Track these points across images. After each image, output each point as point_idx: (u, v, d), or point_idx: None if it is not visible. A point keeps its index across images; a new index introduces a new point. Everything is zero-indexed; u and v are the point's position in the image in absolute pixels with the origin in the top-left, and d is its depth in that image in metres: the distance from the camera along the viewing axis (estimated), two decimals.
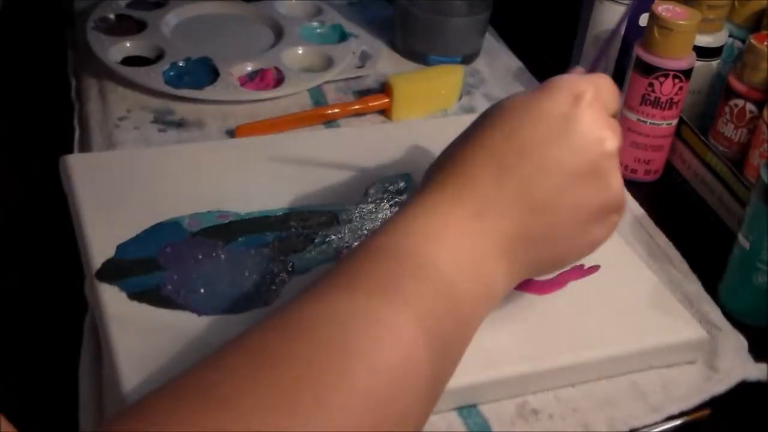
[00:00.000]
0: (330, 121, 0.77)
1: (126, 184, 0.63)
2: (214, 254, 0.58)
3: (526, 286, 0.59)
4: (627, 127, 0.74)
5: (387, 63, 0.87)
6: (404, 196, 0.65)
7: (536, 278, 0.56)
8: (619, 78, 0.78)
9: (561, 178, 0.46)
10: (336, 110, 0.77)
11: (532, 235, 0.47)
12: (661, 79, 0.71)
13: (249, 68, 0.81)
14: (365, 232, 0.62)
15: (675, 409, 0.55)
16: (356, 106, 0.78)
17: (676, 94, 0.72)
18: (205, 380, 0.38)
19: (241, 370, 0.38)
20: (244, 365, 0.38)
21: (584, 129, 0.47)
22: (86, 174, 0.63)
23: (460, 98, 0.83)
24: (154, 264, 0.57)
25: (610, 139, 0.48)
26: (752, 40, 0.70)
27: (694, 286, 0.65)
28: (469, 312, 0.45)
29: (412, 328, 0.41)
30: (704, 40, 0.75)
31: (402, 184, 0.66)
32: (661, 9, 0.71)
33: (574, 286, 0.60)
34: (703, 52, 0.74)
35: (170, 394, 0.38)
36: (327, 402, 0.36)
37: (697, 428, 0.55)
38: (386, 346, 0.39)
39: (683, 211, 0.74)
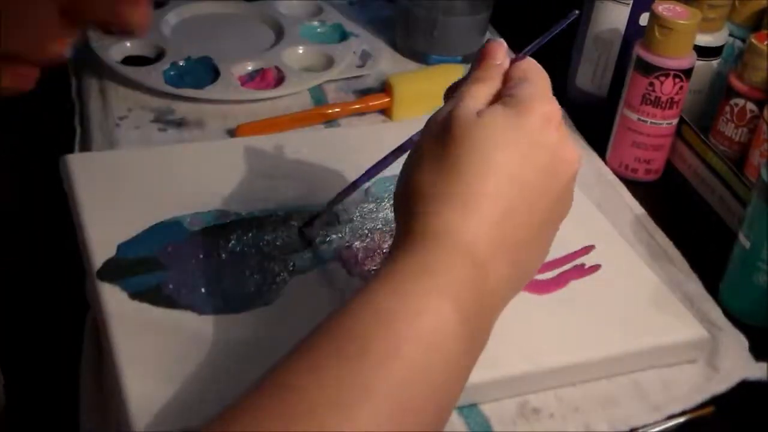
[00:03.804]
0: (330, 121, 0.77)
1: (127, 183, 0.63)
2: (215, 254, 0.58)
3: (526, 286, 0.59)
4: (627, 127, 0.74)
5: (387, 62, 0.87)
6: None
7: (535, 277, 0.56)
8: (619, 78, 0.78)
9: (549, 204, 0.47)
10: (336, 110, 0.77)
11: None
12: (662, 78, 0.71)
13: (249, 68, 0.81)
14: (366, 231, 0.62)
15: (676, 409, 0.55)
16: (357, 106, 0.78)
17: (677, 93, 0.72)
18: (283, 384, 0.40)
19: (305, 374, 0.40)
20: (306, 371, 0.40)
21: (566, 155, 0.47)
22: (87, 173, 0.63)
23: None
24: (155, 263, 0.56)
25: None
26: (753, 40, 0.70)
27: (694, 285, 0.65)
28: (494, 285, 0.45)
29: (447, 304, 0.42)
30: (705, 39, 0.75)
31: None
32: (661, 8, 0.71)
33: (575, 286, 0.60)
34: (703, 52, 0.74)
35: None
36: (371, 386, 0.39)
37: (700, 426, 0.55)
38: (420, 318, 0.41)
39: (684, 211, 0.74)
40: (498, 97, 0.48)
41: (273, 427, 0.37)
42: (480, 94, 0.48)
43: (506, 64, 0.50)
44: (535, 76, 0.49)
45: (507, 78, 0.49)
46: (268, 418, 0.37)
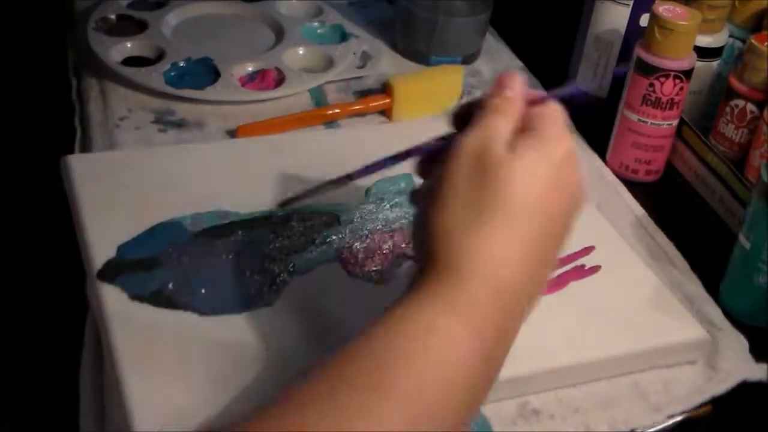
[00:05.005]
0: (330, 122, 0.77)
1: (127, 184, 0.63)
2: (215, 254, 0.58)
3: None
4: (627, 127, 0.74)
5: (388, 63, 0.87)
6: (404, 197, 0.65)
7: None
8: (619, 78, 0.79)
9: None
10: (337, 110, 0.77)
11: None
12: (662, 79, 0.71)
13: (250, 68, 0.81)
14: (366, 232, 0.62)
15: (676, 409, 0.55)
16: (357, 107, 0.78)
17: (677, 94, 0.72)
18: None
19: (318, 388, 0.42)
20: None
21: (582, 189, 0.49)
22: (87, 174, 0.63)
23: (460, 98, 0.83)
24: (156, 264, 0.56)
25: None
26: (753, 41, 0.70)
27: (694, 286, 0.65)
28: (513, 300, 0.46)
29: (465, 331, 0.43)
30: (705, 40, 0.75)
31: (402, 185, 0.66)
32: (661, 9, 0.71)
33: (575, 287, 0.60)
34: (703, 53, 0.74)
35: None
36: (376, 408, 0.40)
37: (698, 425, 0.55)
38: (438, 353, 0.42)
39: (684, 212, 0.74)
40: (519, 129, 0.48)
41: None
42: (505, 127, 0.48)
43: (523, 95, 0.50)
44: (556, 112, 0.49)
45: (527, 110, 0.50)
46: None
